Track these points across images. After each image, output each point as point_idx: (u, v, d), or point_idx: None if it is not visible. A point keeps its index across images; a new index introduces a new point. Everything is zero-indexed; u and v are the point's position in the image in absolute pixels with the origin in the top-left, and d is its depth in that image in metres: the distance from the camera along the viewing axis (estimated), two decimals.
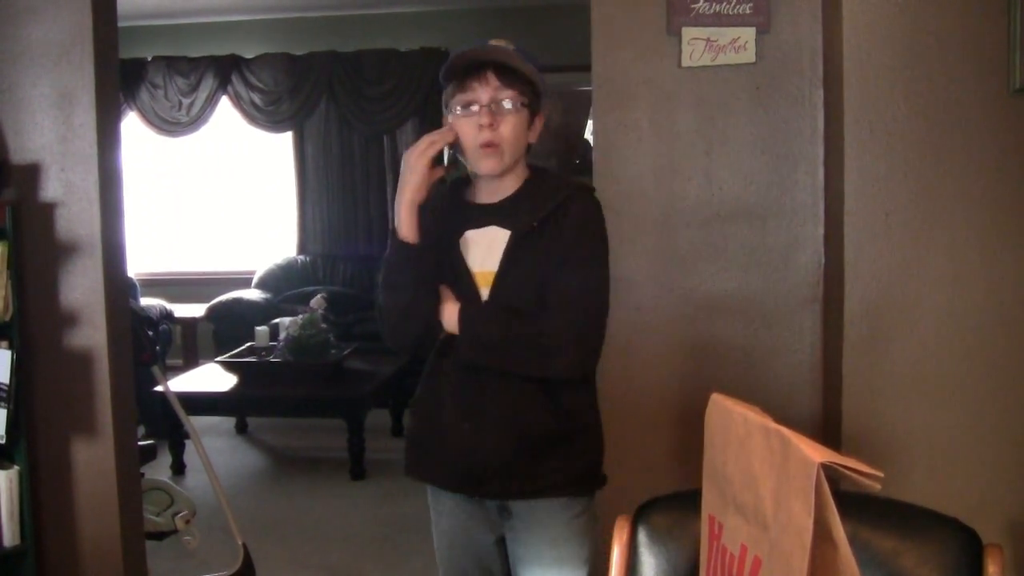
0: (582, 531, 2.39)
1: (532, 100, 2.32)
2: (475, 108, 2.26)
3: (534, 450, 2.32)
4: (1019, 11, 2.84)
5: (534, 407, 2.30)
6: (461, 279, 2.31)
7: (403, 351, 2.48)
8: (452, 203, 2.41)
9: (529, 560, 2.40)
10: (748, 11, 3.18)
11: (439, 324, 2.30)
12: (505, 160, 2.29)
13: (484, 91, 2.25)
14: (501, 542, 2.45)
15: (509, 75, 2.26)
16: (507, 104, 2.27)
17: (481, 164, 2.30)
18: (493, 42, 2.28)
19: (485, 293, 2.30)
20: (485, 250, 2.32)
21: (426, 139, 2.28)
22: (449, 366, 2.34)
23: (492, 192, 2.36)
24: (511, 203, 2.35)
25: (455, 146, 2.31)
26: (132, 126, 9.00)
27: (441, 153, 2.31)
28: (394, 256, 2.31)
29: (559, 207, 2.31)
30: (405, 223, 2.28)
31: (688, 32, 3.21)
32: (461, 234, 2.35)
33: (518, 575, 2.44)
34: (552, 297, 2.25)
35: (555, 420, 2.32)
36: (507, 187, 2.36)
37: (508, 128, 2.27)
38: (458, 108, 2.29)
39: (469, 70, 2.26)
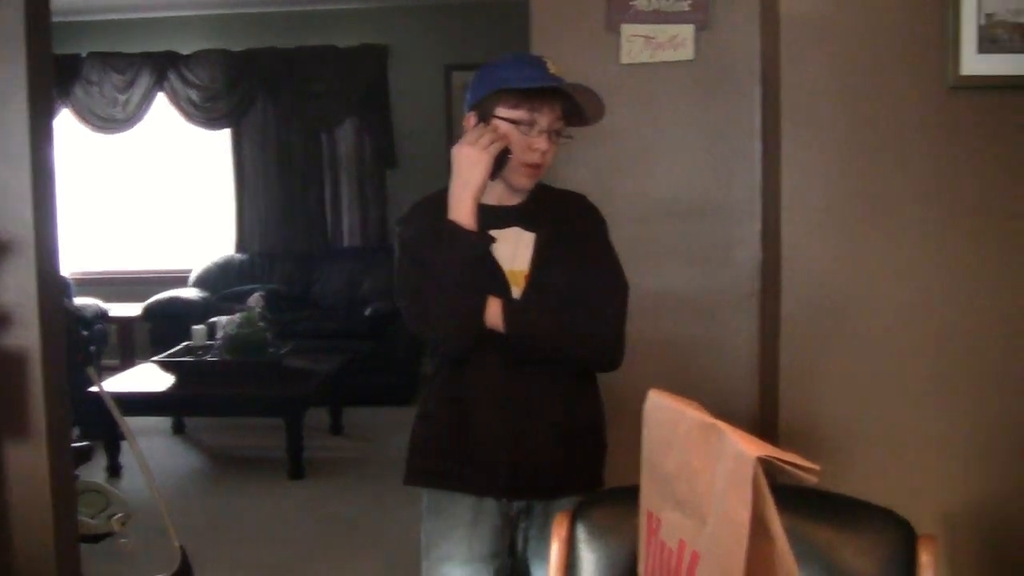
0: None
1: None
2: (532, 127, 2.28)
3: (577, 443, 2.41)
4: (952, 9, 2.88)
5: (577, 400, 2.40)
6: (493, 278, 2.31)
7: (463, 352, 2.36)
8: None
9: (542, 558, 2.39)
10: (687, 8, 3.19)
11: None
12: (538, 180, 2.37)
13: (547, 117, 2.28)
14: (511, 546, 2.48)
15: (567, 104, 2.30)
16: (556, 135, 2.32)
17: (519, 179, 2.33)
18: (551, 64, 2.30)
19: (515, 292, 2.32)
20: (512, 250, 2.35)
21: (484, 137, 2.26)
22: (487, 365, 2.34)
23: (506, 195, 2.39)
24: (531, 207, 2.40)
25: (509, 150, 2.29)
26: (66, 123, 8.88)
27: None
28: (467, 253, 2.25)
29: (578, 213, 2.44)
30: (472, 216, 2.26)
31: (627, 29, 3.22)
32: None
33: (531, 573, 2.47)
34: (591, 290, 2.35)
35: (591, 412, 2.46)
36: (521, 191, 2.39)
37: (551, 155, 2.33)
38: (515, 119, 2.28)
39: (540, 89, 2.26)
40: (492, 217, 2.34)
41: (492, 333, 2.28)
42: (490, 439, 2.35)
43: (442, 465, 2.43)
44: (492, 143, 2.25)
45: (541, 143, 2.27)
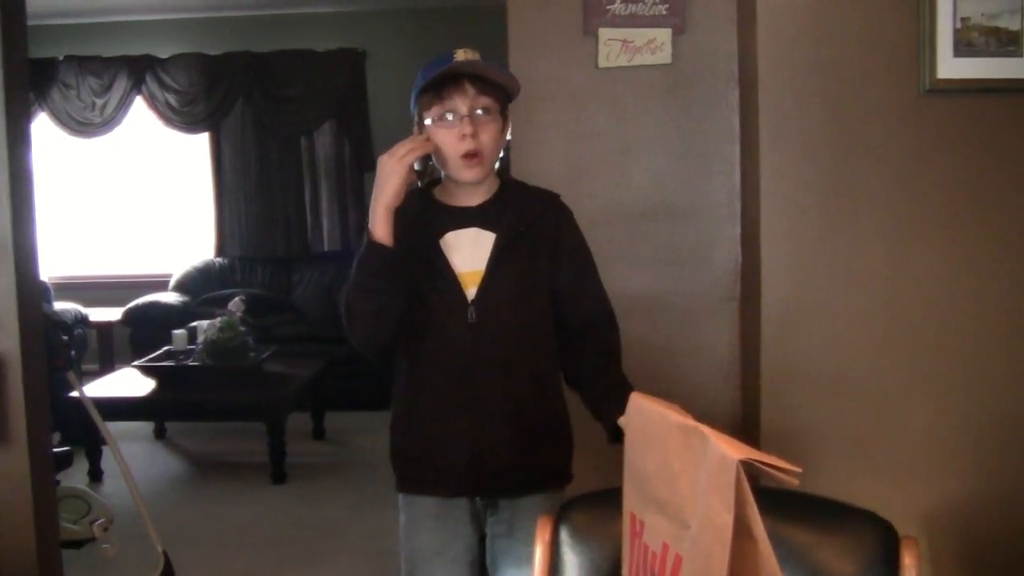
0: None
1: (504, 106, 2.35)
2: (453, 118, 2.27)
3: (539, 440, 2.39)
4: (928, 13, 2.90)
5: (537, 396, 2.38)
6: (444, 279, 2.32)
7: (371, 354, 2.40)
8: (424, 205, 2.40)
9: (508, 555, 2.42)
10: (664, 12, 3.21)
11: (408, 330, 2.32)
12: (487, 167, 2.34)
13: (462, 101, 2.27)
14: (482, 540, 2.48)
15: (483, 83, 2.28)
16: (486, 112, 2.29)
17: (465, 173, 2.31)
18: (460, 52, 2.28)
19: (471, 293, 2.32)
20: (469, 251, 2.35)
21: (405, 145, 2.25)
22: (443, 366, 2.35)
23: (468, 195, 2.38)
24: (493, 206, 2.39)
25: (432, 155, 2.29)
26: (43, 127, 8.84)
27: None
28: (370, 259, 2.25)
29: (542, 213, 2.41)
30: (381, 227, 2.23)
31: (604, 33, 3.23)
32: (441, 236, 2.35)
33: (497, 570, 2.47)
34: (596, 306, 2.49)
35: (553, 408, 2.44)
36: (484, 190, 2.39)
37: (488, 136, 2.29)
38: (436, 118, 2.29)
39: (444, 81, 2.27)
40: (452, 218, 2.36)
41: (446, 333, 2.31)
42: (450, 439, 2.35)
43: (411, 469, 2.45)
44: (409, 152, 2.23)
45: (466, 128, 2.25)
